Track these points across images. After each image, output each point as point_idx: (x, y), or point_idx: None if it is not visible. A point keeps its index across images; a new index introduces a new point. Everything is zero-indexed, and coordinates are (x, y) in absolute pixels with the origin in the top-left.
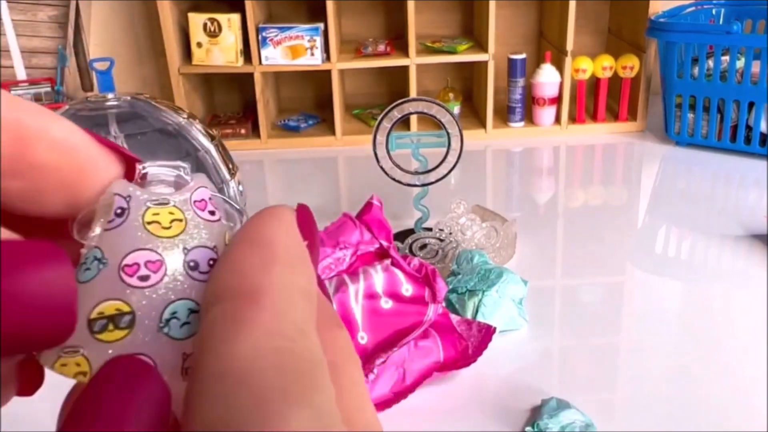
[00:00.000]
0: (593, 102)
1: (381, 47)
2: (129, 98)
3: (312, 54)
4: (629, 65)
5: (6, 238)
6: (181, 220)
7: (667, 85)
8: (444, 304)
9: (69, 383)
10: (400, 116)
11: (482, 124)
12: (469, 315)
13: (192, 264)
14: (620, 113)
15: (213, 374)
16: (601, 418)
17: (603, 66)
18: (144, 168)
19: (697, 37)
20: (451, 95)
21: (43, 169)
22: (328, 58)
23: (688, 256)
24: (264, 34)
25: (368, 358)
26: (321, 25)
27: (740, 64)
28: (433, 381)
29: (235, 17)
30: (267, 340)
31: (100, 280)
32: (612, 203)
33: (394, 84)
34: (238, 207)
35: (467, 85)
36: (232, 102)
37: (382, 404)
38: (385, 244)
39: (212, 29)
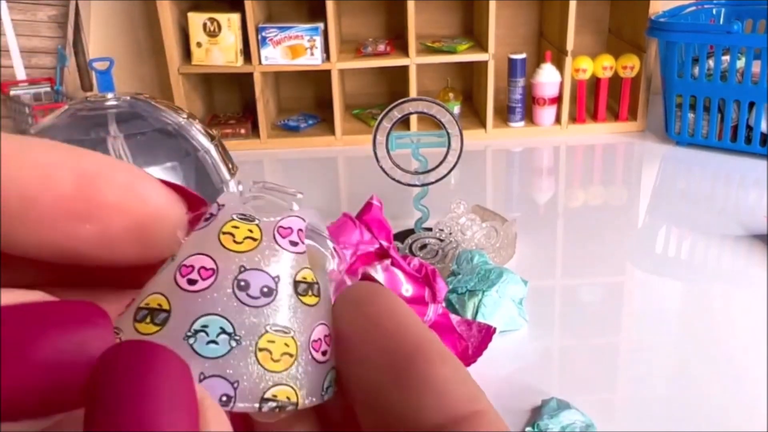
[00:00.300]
0: (593, 102)
1: (381, 47)
2: (129, 98)
3: (312, 54)
4: (629, 65)
5: (41, 299)
6: (255, 240)
7: (667, 84)
8: (444, 304)
9: None
10: (400, 116)
11: (482, 124)
12: (469, 315)
13: (242, 284)
14: (620, 113)
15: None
16: (601, 418)
17: (603, 66)
18: (219, 205)
19: (697, 36)
20: (451, 95)
21: (111, 210)
22: (328, 58)
23: (688, 256)
24: (264, 33)
25: None
26: (321, 25)
27: (741, 63)
28: None
29: (235, 17)
30: None
31: (163, 273)
32: (612, 203)
33: (394, 84)
34: (330, 252)
35: (467, 85)
36: (231, 102)
37: None
38: (385, 244)
39: (212, 29)
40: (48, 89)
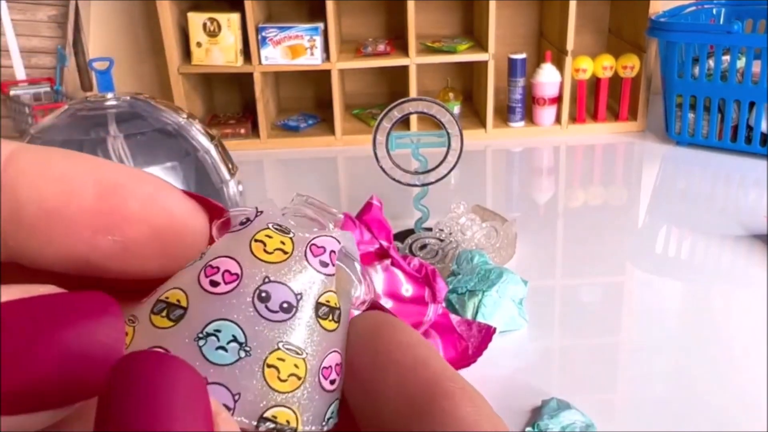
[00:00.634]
0: (593, 102)
1: (381, 47)
2: (128, 98)
3: (312, 54)
4: (630, 65)
5: (51, 292)
6: (286, 253)
7: (667, 84)
8: (444, 305)
9: None
10: (400, 116)
11: (482, 124)
12: (469, 315)
13: (263, 295)
14: (620, 113)
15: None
16: (601, 418)
17: (603, 66)
18: (256, 213)
19: (697, 36)
20: (451, 95)
21: (135, 222)
22: (327, 58)
23: (688, 256)
24: (264, 33)
25: None
26: (321, 25)
27: (741, 63)
28: None
29: (235, 17)
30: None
31: (189, 270)
32: (612, 203)
33: (394, 84)
34: (358, 278)
35: (467, 85)
36: (231, 102)
37: None
38: (385, 244)
39: (212, 29)
40: (48, 89)
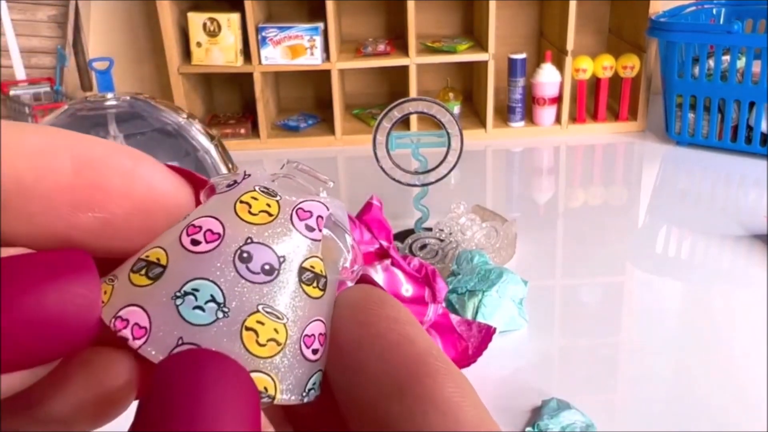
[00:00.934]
0: (594, 102)
1: (381, 47)
2: (128, 98)
3: (312, 54)
4: (630, 65)
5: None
6: (271, 215)
7: (667, 84)
8: (444, 305)
9: None
10: (400, 116)
11: (482, 124)
12: (469, 315)
13: (245, 255)
14: (621, 113)
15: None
16: (601, 418)
17: (603, 66)
18: (243, 175)
19: (697, 36)
20: (451, 95)
21: (114, 197)
22: (327, 58)
23: (688, 256)
24: (264, 33)
25: None
26: (321, 25)
27: (741, 63)
28: None
29: (235, 17)
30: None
31: (172, 230)
32: (612, 203)
33: (394, 84)
34: (348, 248)
35: (467, 85)
36: (231, 102)
37: None
38: (385, 244)
39: (212, 29)
40: (48, 89)
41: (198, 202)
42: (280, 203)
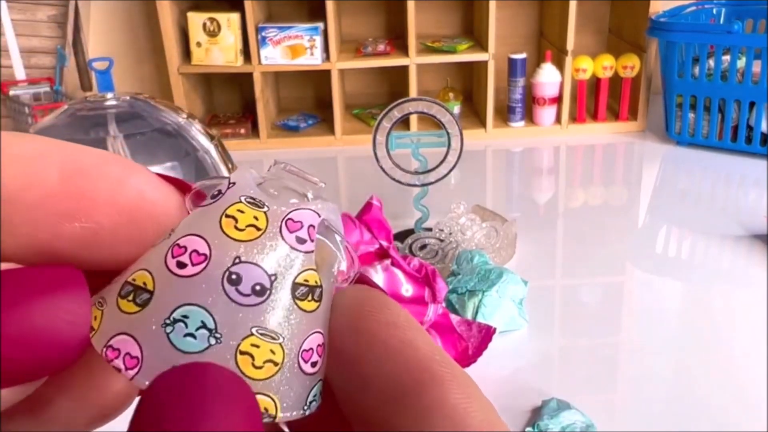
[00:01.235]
0: (594, 102)
1: (381, 47)
2: (128, 98)
3: (312, 54)
4: (630, 65)
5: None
6: (259, 229)
7: (667, 84)
8: (444, 305)
9: None
10: (400, 116)
11: (482, 123)
12: (469, 315)
13: (234, 277)
14: (621, 113)
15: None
16: (601, 418)
17: (603, 66)
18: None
19: (697, 36)
20: (451, 95)
21: (103, 207)
22: (327, 58)
23: (688, 256)
24: (263, 33)
25: None
26: (321, 25)
27: (741, 63)
28: None
29: (235, 17)
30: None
31: (156, 249)
32: (612, 203)
33: (394, 84)
34: (342, 253)
35: (467, 85)
36: (231, 102)
37: None
38: (385, 244)
39: (212, 29)
40: (48, 89)
41: (194, 197)
42: (268, 215)
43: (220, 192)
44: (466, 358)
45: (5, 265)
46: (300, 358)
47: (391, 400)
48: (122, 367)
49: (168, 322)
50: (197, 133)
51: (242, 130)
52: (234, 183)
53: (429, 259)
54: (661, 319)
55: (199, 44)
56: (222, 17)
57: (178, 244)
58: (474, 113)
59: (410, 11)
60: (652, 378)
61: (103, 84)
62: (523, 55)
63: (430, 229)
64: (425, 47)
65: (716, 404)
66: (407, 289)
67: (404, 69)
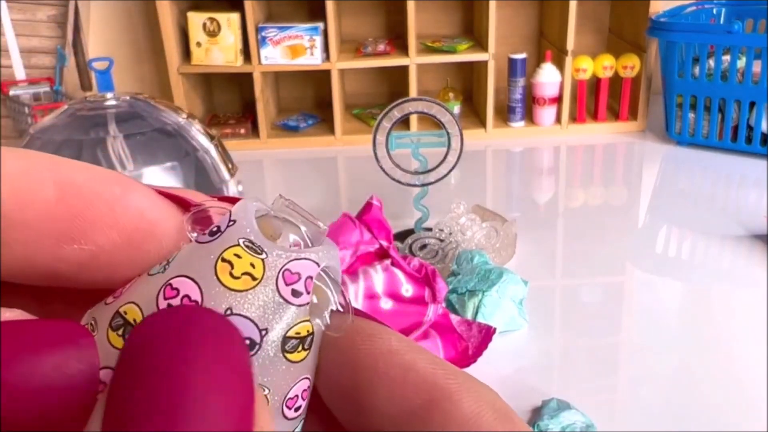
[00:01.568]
0: (594, 102)
1: (381, 47)
2: (128, 98)
3: (312, 54)
4: (630, 65)
5: (17, 318)
6: (255, 279)
7: (667, 84)
8: (444, 305)
9: None
10: (400, 116)
11: (482, 123)
12: (469, 315)
13: None
14: (621, 113)
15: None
16: (601, 418)
17: (604, 65)
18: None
19: (698, 36)
20: (451, 95)
21: (103, 227)
22: (327, 58)
23: (689, 256)
24: (263, 33)
25: None
26: (321, 25)
27: (741, 63)
28: None
29: (235, 17)
30: None
31: (151, 282)
32: (612, 203)
33: (394, 84)
34: (336, 304)
35: (467, 85)
36: (231, 102)
37: None
38: (385, 244)
39: (211, 29)
40: (47, 89)
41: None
42: (266, 264)
43: (218, 229)
44: (466, 358)
45: (12, 313)
46: (284, 406)
47: (404, 423)
48: None
49: None
50: (197, 133)
51: (242, 130)
52: (234, 221)
53: (429, 259)
54: (661, 319)
55: (199, 44)
56: (222, 17)
57: (170, 285)
58: (474, 113)
59: (410, 11)
60: (652, 378)
61: (103, 84)
62: (523, 55)
63: (430, 229)
64: (425, 47)
65: (716, 404)
66: (407, 289)
67: (404, 69)
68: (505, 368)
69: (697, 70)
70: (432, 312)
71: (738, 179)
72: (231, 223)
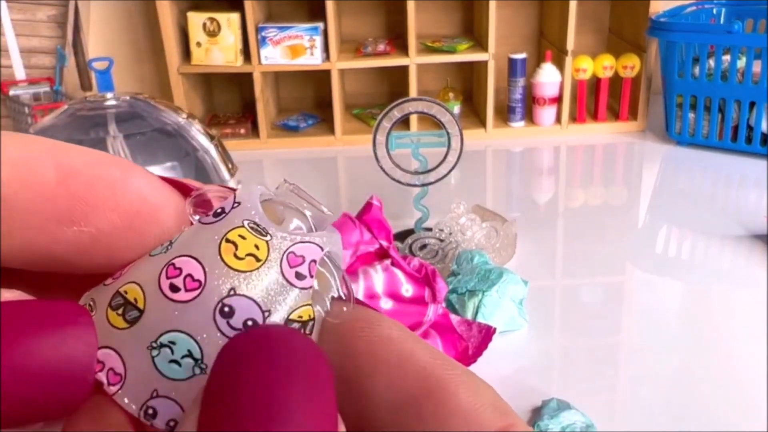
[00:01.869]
0: (594, 102)
1: (381, 47)
2: (128, 98)
3: (312, 54)
4: (630, 65)
5: (16, 298)
6: (259, 260)
7: (667, 84)
8: (444, 305)
9: None
10: (400, 116)
11: (482, 123)
12: (469, 315)
13: (226, 310)
14: (621, 113)
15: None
16: (601, 418)
17: (604, 65)
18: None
19: (698, 36)
20: (451, 95)
21: (102, 210)
22: (327, 58)
23: (689, 256)
24: (263, 33)
25: None
26: (321, 25)
27: (741, 63)
28: None
29: (235, 17)
30: None
31: (153, 261)
32: (612, 203)
33: (394, 84)
34: (338, 288)
35: (467, 85)
36: (231, 102)
37: None
38: (384, 244)
39: (211, 29)
40: (47, 89)
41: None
42: (270, 245)
43: (223, 210)
44: (466, 358)
45: (12, 293)
46: None
47: (400, 410)
48: (105, 381)
49: (154, 345)
50: (197, 133)
51: (242, 130)
52: (239, 203)
53: (429, 259)
54: (661, 319)
55: (199, 44)
56: (222, 17)
57: (173, 264)
58: (474, 113)
59: (410, 11)
60: (652, 378)
61: (103, 84)
62: (523, 55)
63: (430, 229)
64: (425, 47)
65: (716, 404)
66: (407, 289)
67: (404, 69)
68: (505, 368)
69: (697, 70)
70: (432, 312)
71: (738, 179)
72: (236, 204)
